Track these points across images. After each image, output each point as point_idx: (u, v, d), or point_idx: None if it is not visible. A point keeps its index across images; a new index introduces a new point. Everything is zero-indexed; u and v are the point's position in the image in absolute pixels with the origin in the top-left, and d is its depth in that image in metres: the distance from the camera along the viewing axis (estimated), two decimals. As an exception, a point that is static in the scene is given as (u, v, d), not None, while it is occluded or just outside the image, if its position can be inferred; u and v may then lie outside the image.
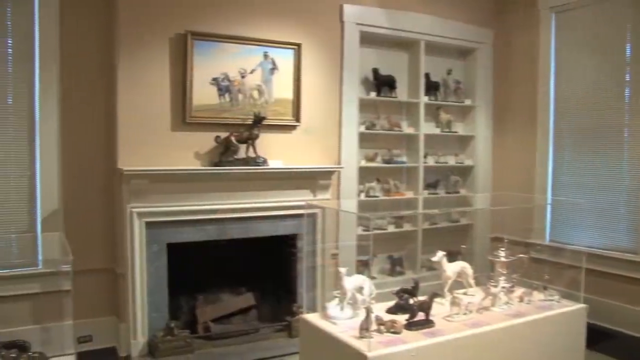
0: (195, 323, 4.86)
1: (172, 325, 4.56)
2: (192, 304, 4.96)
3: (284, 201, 4.91)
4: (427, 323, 3.31)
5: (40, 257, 4.52)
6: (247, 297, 5.06)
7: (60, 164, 4.53)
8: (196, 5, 4.67)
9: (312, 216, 4.99)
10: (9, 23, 4.35)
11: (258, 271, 5.17)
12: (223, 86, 4.74)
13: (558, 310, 3.70)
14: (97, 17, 4.62)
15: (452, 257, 3.87)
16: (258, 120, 4.68)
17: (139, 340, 4.52)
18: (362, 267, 5.38)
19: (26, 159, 4.45)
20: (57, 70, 4.49)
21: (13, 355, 2.86)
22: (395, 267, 5.73)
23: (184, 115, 4.60)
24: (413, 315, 3.32)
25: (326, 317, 3.41)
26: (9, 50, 4.38)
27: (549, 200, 5.82)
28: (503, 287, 3.74)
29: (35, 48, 4.43)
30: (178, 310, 4.89)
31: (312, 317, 3.50)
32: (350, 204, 5.46)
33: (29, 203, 4.48)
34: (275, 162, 4.83)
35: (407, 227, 5.63)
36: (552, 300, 3.80)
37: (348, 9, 5.37)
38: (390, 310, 3.53)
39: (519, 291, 3.81)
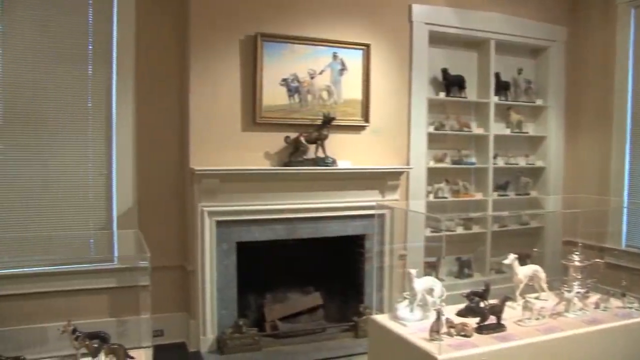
0: (263, 321, 4.93)
1: (241, 323, 4.64)
2: (260, 302, 5.03)
3: (353, 201, 4.92)
4: (499, 327, 3.26)
5: (115, 254, 4.68)
6: (315, 297, 5.10)
7: (135, 164, 4.70)
8: (266, 7, 4.74)
9: (381, 217, 4.99)
10: (90, 29, 4.56)
11: (325, 271, 5.19)
12: (292, 87, 4.79)
13: (638, 319, 3.55)
14: (170, 21, 4.77)
15: (522, 260, 3.80)
16: (327, 121, 4.71)
17: (208, 336, 4.63)
18: (430, 268, 5.34)
19: (103, 159, 4.64)
20: (132, 72, 4.66)
21: (95, 345, 2.96)
22: (463, 269, 5.67)
23: (254, 116, 4.67)
24: (484, 319, 3.26)
25: (396, 318, 3.41)
26: (90, 54, 4.53)
27: (626, 204, 5.61)
28: (577, 293, 3.63)
29: (113, 51, 4.61)
30: (246, 308, 4.97)
31: (382, 318, 3.51)
32: (418, 205, 5.43)
33: (106, 201, 4.66)
34: (344, 163, 4.84)
35: (475, 229, 5.54)
36: (631, 307, 3.66)
37: (417, 8, 5.33)
38: (460, 313, 3.49)
39: (594, 297, 3.69)
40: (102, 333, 3.09)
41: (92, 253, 4.65)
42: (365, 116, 4.94)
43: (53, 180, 4.53)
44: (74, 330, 3.00)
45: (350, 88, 4.97)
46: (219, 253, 4.60)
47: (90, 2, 4.55)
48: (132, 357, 2.99)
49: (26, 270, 4.41)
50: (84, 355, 3.00)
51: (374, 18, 5.10)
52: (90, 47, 4.59)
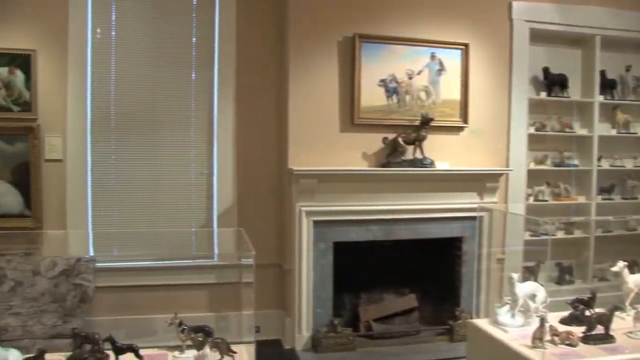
0: (358, 321, 4.99)
1: (336, 322, 4.73)
2: (355, 302, 5.10)
3: (450, 203, 4.92)
4: (607, 338, 3.14)
5: (216, 251, 4.92)
6: (410, 299, 5.14)
7: (235, 164, 4.91)
8: (364, 8, 4.81)
9: (479, 219, 4.98)
10: (194, 36, 4.85)
11: (421, 273, 5.21)
12: (391, 87, 4.87)
13: None
14: (269, 25, 4.96)
15: (630, 268, 3.71)
16: (425, 122, 4.75)
17: (304, 334, 4.76)
18: (528, 273, 5.27)
19: (205, 159, 4.89)
20: (233, 76, 4.88)
21: (200, 338, 3.07)
22: (564, 275, 5.56)
23: (352, 117, 4.78)
24: (590, 328, 3.16)
25: (496, 323, 3.37)
26: (193, 60, 4.82)
27: None
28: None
29: (215, 57, 4.86)
30: (341, 307, 5.05)
31: (481, 323, 3.48)
32: (517, 207, 5.39)
33: (207, 200, 4.90)
34: (442, 164, 4.86)
35: (577, 233, 5.41)
36: None
37: (517, 6, 5.26)
38: (564, 321, 3.42)
39: None
40: (206, 327, 3.24)
41: (194, 250, 4.90)
42: (464, 117, 4.94)
43: (159, 179, 4.82)
44: (180, 323, 3.16)
45: (449, 88, 4.98)
46: (316, 252, 4.71)
47: (194, 11, 4.82)
48: (234, 352, 3.09)
49: (134, 264, 4.74)
50: (188, 347, 3.15)
51: (472, 17, 5.08)
52: (194, 53, 4.82)
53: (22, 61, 4.60)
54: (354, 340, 4.73)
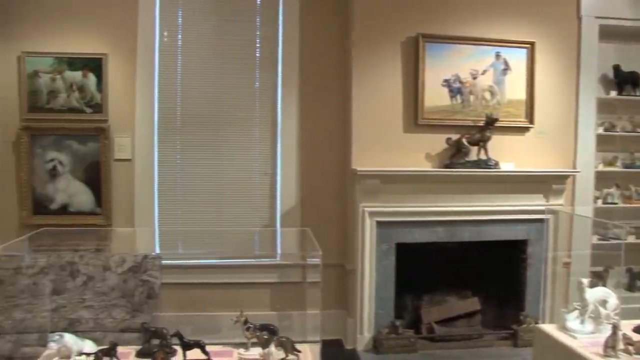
0: (420, 323, 5.03)
1: (397, 324, 4.78)
2: (417, 304, 5.13)
3: (515, 205, 4.89)
4: None
5: (279, 250, 5.07)
6: (473, 302, 5.15)
7: (298, 164, 5.03)
8: (427, 8, 4.85)
9: (546, 222, 4.96)
10: (258, 39, 5.01)
11: (484, 275, 5.20)
12: (454, 88, 4.90)
13: None
14: (332, 24, 5.06)
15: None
16: (490, 122, 4.76)
17: (365, 335, 4.82)
18: (596, 278, 5.23)
19: (269, 159, 5.03)
20: (297, 77, 5.01)
21: (265, 336, 3.17)
22: (634, 281, 5.48)
23: (415, 117, 4.84)
24: None
25: (564, 329, 3.33)
26: (257, 61, 4.97)
27: None
28: None
29: (279, 58, 4.99)
30: (403, 309, 5.09)
31: (549, 328, 3.44)
32: (585, 210, 5.34)
33: (271, 200, 5.04)
34: (506, 165, 4.86)
35: (649, 238, 5.31)
36: None
37: (586, 2, 4.96)
38: (637, 330, 3.33)
39: None
40: (271, 326, 3.32)
41: (257, 249, 5.05)
42: (530, 117, 4.93)
43: (223, 179, 4.99)
44: (246, 321, 3.26)
45: (514, 88, 4.97)
46: (379, 253, 4.78)
47: (258, 12, 4.97)
48: (298, 351, 3.16)
49: (199, 262, 4.94)
50: (254, 345, 3.25)
51: (538, 15, 5.03)
52: (258, 54, 4.98)
53: (94, 65, 4.84)
54: (415, 342, 4.78)
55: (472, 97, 4.87)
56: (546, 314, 4.89)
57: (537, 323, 4.55)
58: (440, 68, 4.85)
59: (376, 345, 4.76)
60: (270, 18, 4.96)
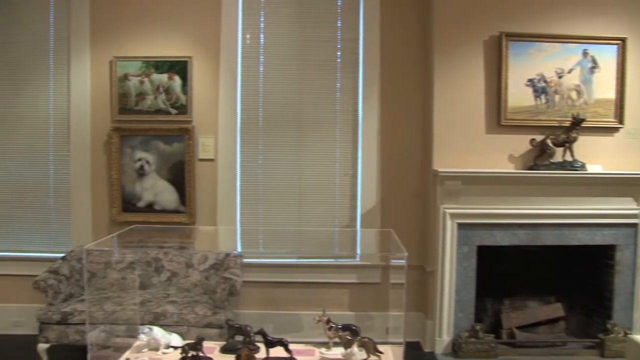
0: (500, 328, 5.03)
1: (477, 328, 4.80)
2: (498, 308, 5.13)
3: (603, 209, 4.82)
4: None
5: (359, 251, 5.21)
6: (556, 307, 5.12)
7: (379, 164, 5.15)
8: (510, 5, 4.85)
9: (635, 227, 4.90)
10: (339, 40, 5.19)
11: (569, 281, 5.15)
12: (539, 87, 4.90)
13: None
14: (413, 25, 5.16)
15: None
16: (577, 123, 4.74)
17: (444, 338, 4.87)
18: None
19: (349, 159, 5.17)
20: (377, 77, 5.13)
21: (348, 337, 3.26)
22: None
23: (498, 118, 4.87)
24: None
25: None
26: (338, 63, 5.14)
27: None
28: None
29: (360, 59, 5.14)
30: (483, 312, 5.10)
31: None
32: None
33: (351, 200, 5.19)
34: (594, 167, 4.81)
35: None
36: None
37: None
38: None
39: None
40: (353, 326, 3.45)
41: (337, 249, 5.22)
42: (619, 117, 4.83)
43: (304, 179, 5.17)
44: (328, 321, 3.38)
45: (602, 87, 4.91)
46: (459, 255, 4.82)
47: (339, 14, 5.13)
48: (380, 352, 3.25)
49: (279, 261, 5.15)
50: (335, 344, 3.38)
51: (630, 9, 4.91)
52: (339, 55, 5.15)
53: (180, 67, 5.12)
54: (495, 347, 4.77)
55: (557, 97, 4.85)
56: (638, 325, 4.79)
57: (627, 334, 4.49)
58: (524, 67, 4.85)
59: (455, 349, 4.80)
60: (351, 20, 5.12)
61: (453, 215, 4.77)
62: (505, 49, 4.78)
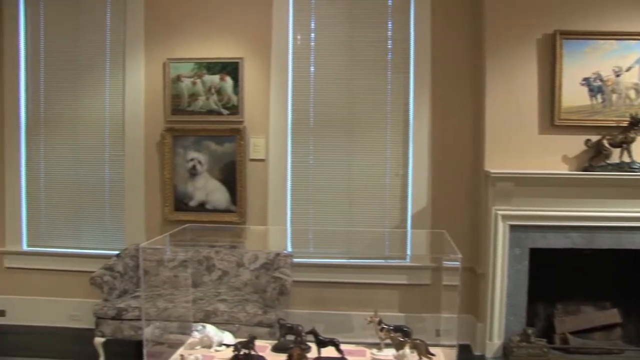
0: (553, 333, 4.99)
1: (529, 332, 4.76)
2: (550, 312, 5.07)
3: (662, 212, 4.69)
4: None
5: (409, 252, 5.28)
6: (612, 314, 5.03)
7: (429, 165, 5.19)
8: (565, 3, 4.80)
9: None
10: (389, 40, 5.27)
11: (626, 287, 5.06)
12: (595, 86, 4.85)
13: None
14: (464, 24, 5.18)
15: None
16: (635, 122, 4.64)
17: (494, 341, 4.86)
18: None
19: (400, 160, 5.22)
20: (428, 77, 5.17)
21: (400, 338, 3.27)
22: None
23: (552, 118, 4.84)
24: None
25: None
26: (389, 63, 5.21)
27: None
28: None
29: (410, 59, 5.19)
30: (535, 316, 5.05)
31: None
32: None
33: (401, 201, 5.24)
34: (653, 168, 4.76)
35: None
36: None
37: None
38: None
39: None
40: (405, 327, 3.46)
41: (387, 250, 5.29)
42: (682, 116, 4.74)
43: (355, 179, 5.24)
44: (380, 322, 3.39)
45: (664, 86, 4.80)
46: (511, 258, 4.79)
47: (390, 14, 5.20)
48: (432, 354, 3.24)
49: (329, 261, 5.24)
50: (387, 345, 3.39)
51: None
52: (390, 55, 5.22)
53: (231, 68, 5.27)
54: (548, 352, 4.72)
55: (614, 96, 4.80)
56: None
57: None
58: (579, 66, 4.80)
59: (506, 353, 4.77)
60: (401, 19, 5.17)
61: (505, 217, 4.76)
62: (559, 47, 4.76)
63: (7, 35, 5.54)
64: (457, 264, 3.27)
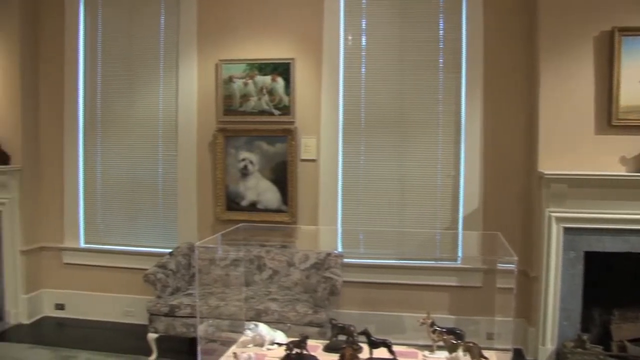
0: (609, 340, 4.90)
1: (584, 338, 4.70)
2: (606, 318, 4.98)
3: None
4: None
5: (460, 254, 5.31)
6: (673, 321, 4.98)
7: (481, 166, 5.20)
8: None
9: None
10: (441, 40, 5.30)
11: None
12: (656, 85, 4.78)
13: None
14: (517, 22, 5.15)
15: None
16: (696, 123, 4.59)
17: (547, 347, 4.81)
18: None
19: (451, 160, 5.25)
20: (481, 78, 5.17)
21: (453, 340, 3.28)
22: None
23: (609, 118, 4.77)
24: None
25: None
26: (441, 63, 5.25)
27: None
28: None
29: (462, 59, 5.20)
30: (590, 322, 4.98)
31: None
32: None
33: (452, 202, 5.27)
34: None
35: None
36: None
37: None
38: None
39: None
40: (457, 330, 3.47)
41: (438, 251, 5.34)
42: None
43: (406, 180, 5.28)
44: (432, 324, 3.41)
45: None
46: (565, 261, 4.76)
47: (441, 14, 5.23)
48: (486, 358, 3.22)
49: (379, 261, 5.31)
50: (439, 348, 3.39)
51: None
52: (441, 55, 5.25)
53: (283, 69, 5.39)
54: (604, 359, 4.66)
55: (675, 96, 4.70)
56: None
57: None
58: (639, 63, 4.69)
59: (559, 358, 4.73)
60: (453, 19, 5.19)
61: (559, 219, 4.73)
62: (617, 44, 4.70)
63: (68, 38, 5.82)
64: (512, 266, 3.22)
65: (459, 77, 5.19)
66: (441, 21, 5.16)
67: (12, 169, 5.58)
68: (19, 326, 5.70)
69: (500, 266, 4.10)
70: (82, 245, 5.94)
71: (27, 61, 5.76)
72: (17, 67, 5.68)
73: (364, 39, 5.30)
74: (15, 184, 5.64)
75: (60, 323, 5.85)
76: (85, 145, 5.90)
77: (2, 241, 5.67)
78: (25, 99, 5.72)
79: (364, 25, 5.29)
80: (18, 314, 5.75)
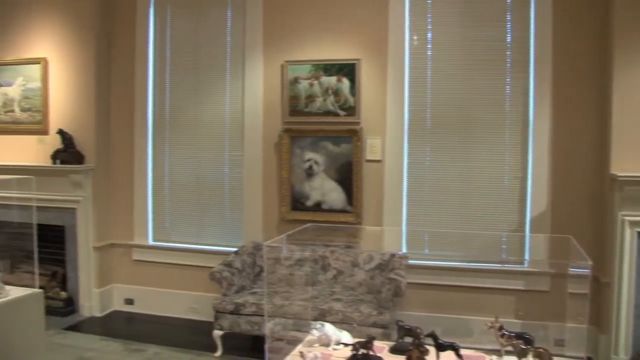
0: None
1: None
2: None
3: None
4: None
5: (527, 257, 5.28)
6: None
7: (550, 168, 5.14)
8: None
9: None
10: (508, 40, 5.27)
11: None
12: None
13: None
14: (589, 20, 5.06)
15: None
16: None
17: (620, 356, 4.70)
18: None
19: (519, 162, 5.21)
20: (549, 76, 5.10)
21: (522, 346, 3.23)
22: None
23: (679, 118, 4.62)
24: None
25: None
26: (508, 63, 5.23)
27: None
28: None
29: (531, 59, 5.16)
30: None
31: None
32: None
33: (520, 204, 5.24)
34: None
35: None
36: None
37: None
38: None
39: None
40: (526, 335, 3.38)
41: (504, 254, 5.32)
42: None
43: (472, 181, 5.28)
44: (501, 328, 3.37)
45: None
46: (639, 266, 4.69)
47: (509, 12, 5.21)
48: None
49: (444, 263, 5.34)
50: (507, 352, 3.35)
51: None
52: (509, 55, 5.23)
53: (348, 70, 5.48)
54: (674, 369, 4.53)
55: None
56: None
57: None
58: None
59: (632, 366, 4.58)
60: (521, 18, 5.15)
61: (633, 223, 4.65)
62: (689, 43, 4.55)
63: (139, 40, 6.09)
64: (586, 271, 3.22)
65: (527, 77, 5.14)
66: (508, 19, 5.14)
67: (87, 168, 5.89)
68: (92, 319, 6.03)
69: (572, 271, 4.06)
70: (151, 242, 6.21)
71: (102, 65, 6.08)
72: (93, 70, 6.00)
73: (429, 39, 5.35)
74: (88, 183, 5.95)
75: (129, 317, 6.15)
76: (154, 145, 6.16)
77: (77, 237, 5.93)
78: (99, 101, 6.02)
79: (429, 24, 5.33)
80: (91, 307, 6.08)
